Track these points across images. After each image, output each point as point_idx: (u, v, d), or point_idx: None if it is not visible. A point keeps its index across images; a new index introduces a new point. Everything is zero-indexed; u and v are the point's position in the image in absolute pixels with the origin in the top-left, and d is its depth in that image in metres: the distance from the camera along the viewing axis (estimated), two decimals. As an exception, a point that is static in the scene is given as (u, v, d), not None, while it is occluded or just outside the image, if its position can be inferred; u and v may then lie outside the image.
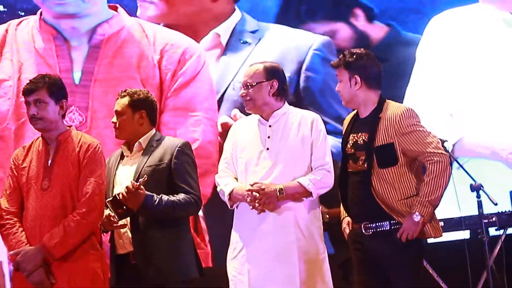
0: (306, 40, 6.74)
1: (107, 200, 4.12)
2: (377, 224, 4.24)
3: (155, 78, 6.36)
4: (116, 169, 4.36)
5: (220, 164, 4.45)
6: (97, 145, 4.17)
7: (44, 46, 6.32)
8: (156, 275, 4.17)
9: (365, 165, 4.25)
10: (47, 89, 4.13)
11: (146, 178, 4.08)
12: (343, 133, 4.45)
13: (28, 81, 4.21)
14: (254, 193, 4.18)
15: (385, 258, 4.22)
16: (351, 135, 4.35)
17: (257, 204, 4.17)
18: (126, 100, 4.35)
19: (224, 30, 6.72)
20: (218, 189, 4.39)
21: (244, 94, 4.35)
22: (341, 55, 4.36)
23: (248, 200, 4.19)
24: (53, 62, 6.28)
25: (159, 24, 6.66)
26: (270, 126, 4.35)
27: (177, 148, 4.31)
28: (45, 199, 4.08)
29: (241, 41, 6.68)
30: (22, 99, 4.32)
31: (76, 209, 4.05)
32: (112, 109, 4.44)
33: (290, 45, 6.73)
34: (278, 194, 4.19)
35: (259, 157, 4.30)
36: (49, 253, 4.01)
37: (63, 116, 4.22)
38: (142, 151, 4.34)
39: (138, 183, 4.07)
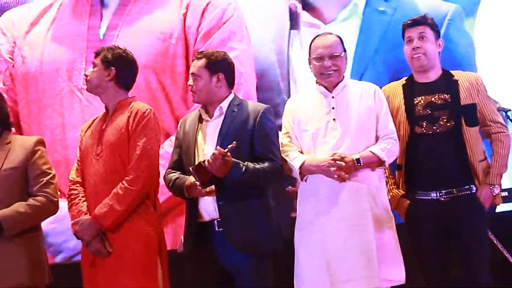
0: (441, 10, 6.44)
1: (191, 167, 4.00)
2: (461, 188, 4.28)
3: (179, 33, 6.16)
4: (196, 134, 4.23)
5: (283, 139, 4.39)
6: (147, 110, 4.12)
7: (80, 6, 6.29)
8: (243, 245, 4.07)
9: (449, 124, 4.29)
10: (98, 54, 4.21)
11: (234, 144, 3.95)
12: (393, 100, 4.47)
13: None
14: (337, 162, 4.15)
15: (465, 223, 4.26)
16: (416, 98, 4.40)
17: (342, 173, 4.15)
18: (203, 62, 4.23)
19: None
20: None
21: (331, 65, 4.33)
22: (423, 15, 4.51)
23: (331, 169, 4.15)
24: (85, 20, 6.21)
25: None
26: (333, 97, 4.34)
27: (260, 114, 4.20)
28: (98, 165, 4.08)
29: (378, 10, 6.43)
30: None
31: (126, 175, 4.03)
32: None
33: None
34: (355, 163, 4.18)
35: (326, 127, 4.29)
36: (100, 223, 4.02)
37: (119, 84, 4.20)
38: (223, 116, 4.21)
39: (226, 150, 3.96)
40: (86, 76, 4.22)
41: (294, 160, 4.28)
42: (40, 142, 4.29)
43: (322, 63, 4.32)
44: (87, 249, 4.08)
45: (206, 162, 3.95)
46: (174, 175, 4.18)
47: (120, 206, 4.00)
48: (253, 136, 4.14)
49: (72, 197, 4.15)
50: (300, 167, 4.25)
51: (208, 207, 4.12)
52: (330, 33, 4.42)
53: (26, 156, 4.18)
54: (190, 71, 4.25)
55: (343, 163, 4.14)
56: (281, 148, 4.31)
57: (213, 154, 3.95)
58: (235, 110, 4.20)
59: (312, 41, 4.42)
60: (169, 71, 5.97)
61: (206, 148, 4.15)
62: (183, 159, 4.22)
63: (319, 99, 4.37)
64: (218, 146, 4.01)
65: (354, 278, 4.12)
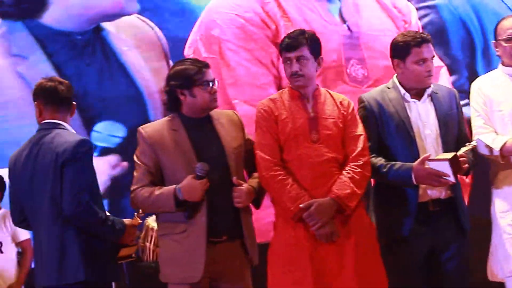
0: None
1: (449, 157, 4.05)
2: None
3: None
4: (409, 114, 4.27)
5: (476, 121, 4.45)
6: (351, 101, 4.21)
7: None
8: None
9: None
10: (309, 45, 4.12)
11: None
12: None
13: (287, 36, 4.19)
14: None
15: None
16: None
17: None
18: None
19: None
20: (480, 149, 4.36)
21: None
22: None
23: None
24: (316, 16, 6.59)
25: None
26: None
27: (456, 96, 4.37)
28: (318, 151, 4.05)
29: None
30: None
31: (351, 161, 4.06)
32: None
33: None
34: None
35: None
36: (345, 204, 3.98)
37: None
38: (430, 98, 4.30)
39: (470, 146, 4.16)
40: None
41: (493, 142, 4.34)
42: None
43: None
44: (317, 232, 3.98)
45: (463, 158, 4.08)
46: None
47: (359, 190, 4.01)
48: (458, 118, 4.31)
49: (280, 178, 4.02)
50: (501, 149, 4.32)
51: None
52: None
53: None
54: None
55: None
56: (474, 131, 4.42)
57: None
58: (436, 92, 4.31)
59: (497, 24, 4.49)
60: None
61: (427, 131, 4.24)
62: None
63: (508, 80, 4.44)
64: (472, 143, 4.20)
65: None
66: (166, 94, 4.08)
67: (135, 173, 4.10)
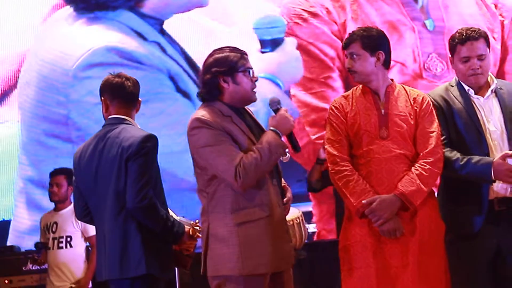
0: None
1: None
2: None
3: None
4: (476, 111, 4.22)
5: None
6: (427, 97, 4.17)
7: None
8: None
9: None
10: (361, 41, 4.12)
11: None
12: None
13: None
14: None
15: None
16: None
17: None
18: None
19: None
20: None
21: None
22: None
23: None
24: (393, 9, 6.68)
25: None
26: None
27: None
28: (386, 147, 4.04)
29: None
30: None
31: (422, 158, 4.04)
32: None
33: None
34: None
35: None
36: (409, 201, 3.96)
37: (386, 67, 4.17)
38: (494, 94, 4.26)
39: None
40: None
41: None
42: None
43: None
44: (380, 228, 3.95)
45: None
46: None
47: (426, 186, 3.98)
48: None
49: (346, 173, 4.03)
50: None
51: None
52: None
53: None
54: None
55: None
56: None
57: None
58: (501, 88, 4.25)
59: None
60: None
61: (493, 128, 4.19)
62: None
63: None
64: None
65: None
66: (205, 83, 3.90)
67: (220, 159, 3.73)
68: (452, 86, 4.28)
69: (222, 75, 3.85)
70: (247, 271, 3.72)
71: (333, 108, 4.16)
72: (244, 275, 3.71)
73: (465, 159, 4.09)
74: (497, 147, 4.14)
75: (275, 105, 3.90)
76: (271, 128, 3.82)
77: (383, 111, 4.08)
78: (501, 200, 4.13)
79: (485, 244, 4.11)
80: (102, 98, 4.20)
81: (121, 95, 4.16)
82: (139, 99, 4.23)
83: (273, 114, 3.88)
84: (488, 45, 4.23)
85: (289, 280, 3.89)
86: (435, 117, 4.11)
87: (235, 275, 3.72)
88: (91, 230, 5.87)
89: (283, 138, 3.84)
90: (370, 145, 4.05)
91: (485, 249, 4.12)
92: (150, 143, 4.03)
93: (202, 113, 3.83)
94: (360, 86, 4.18)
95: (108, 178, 4.02)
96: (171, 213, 4.14)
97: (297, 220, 4.43)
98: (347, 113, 4.11)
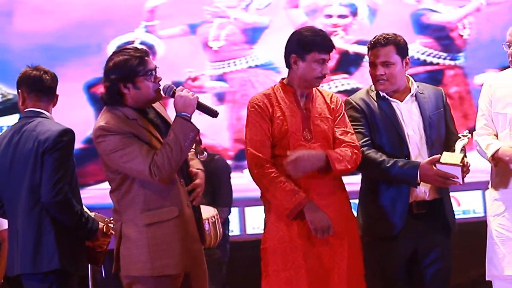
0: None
1: (460, 163, 4.01)
2: None
3: None
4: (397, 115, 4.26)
5: (479, 121, 4.42)
6: (338, 97, 4.21)
7: None
8: None
9: None
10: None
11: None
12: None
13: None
14: None
15: None
16: None
17: None
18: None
19: None
20: (476, 148, 4.37)
21: None
22: None
23: None
24: None
25: None
26: None
27: (443, 95, 4.34)
28: (311, 149, 4.01)
29: None
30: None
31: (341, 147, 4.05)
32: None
33: None
34: None
35: None
36: (333, 163, 3.95)
37: None
38: (414, 98, 4.29)
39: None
40: None
41: (488, 147, 4.29)
42: None
43: None
44: (312, 226, 3.93)
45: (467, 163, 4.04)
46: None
47: (349, 164, 4.01)
48: (445, 117, 4.29)
49: (273, 175, 3.98)
50: (493, 156, 4.28)
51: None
52: None
53: None
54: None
55: None
56: (476, 130, 4.38)
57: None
58: (422, 92, 4.30)
59: None
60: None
61: (411, 133, 4.22)
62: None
63: None
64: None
65: None
66: (105, 89, 3.77)
67: (133, 162, 3.65)
68: (373, 90, 4.30)
69: (121, 81, 3.72)
70: (157, 272, 3.69)
71: (256, 106, 4.05)
72: (154, 276, 3.70)
73: (391, 161, 4.11)
74: (415, 152, 4.19)
75: (169, 91, 3.77)
76: (177, 114, 3.72)
77: (305, 112, 4.08)
78: (420, 203, 4.20)
79: (403, 246, 4.17)
80: (19, 90, 4.15)
81: (38, 88, 4.12)
82: (57, 93, 4.19)
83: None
84: (403, 52, 4.24)
85: (203, 279, 3.88)
86: (347, 119, 4.14)
87: (145, 275, 3.70)
88: (3, 224, 5.77)
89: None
90: (296, 147, 3.99)
91: (403, 251, 4.18)
92: (66, 137, 3.99)
93: (105, 120, 3.72)
94: (279, 85, 4.13)
95: (23, 172, 3.97)
96: (85, 209, 4.11)
97: (212, 219, 4.43)
98: (272, 114, 4.04)
